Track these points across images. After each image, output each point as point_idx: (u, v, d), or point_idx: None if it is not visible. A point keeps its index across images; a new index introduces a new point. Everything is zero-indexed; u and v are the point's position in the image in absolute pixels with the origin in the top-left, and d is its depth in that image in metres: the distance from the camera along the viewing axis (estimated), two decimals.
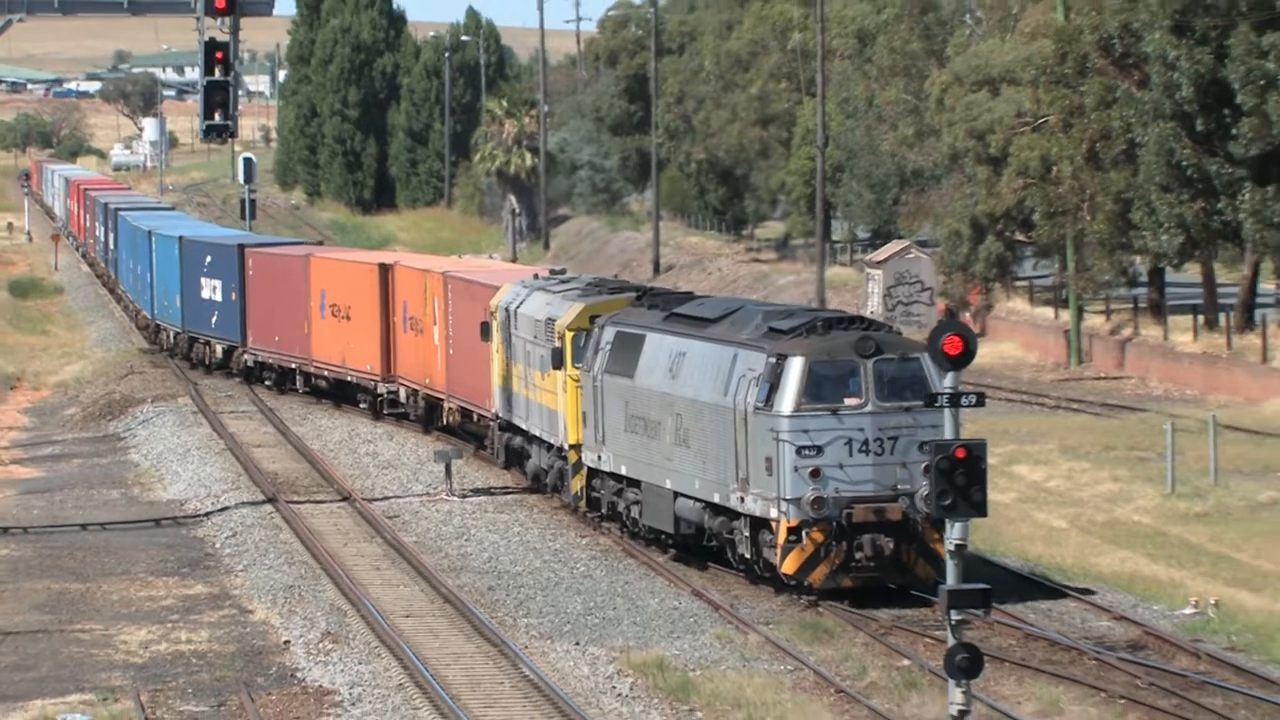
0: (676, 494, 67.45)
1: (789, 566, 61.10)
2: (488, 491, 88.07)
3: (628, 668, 61.18)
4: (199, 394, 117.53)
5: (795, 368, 61.04)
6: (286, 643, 65.70)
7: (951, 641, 44.87)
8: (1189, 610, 66.94)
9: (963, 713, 44.43)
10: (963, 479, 45.60)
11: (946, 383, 48.15)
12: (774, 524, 61.34)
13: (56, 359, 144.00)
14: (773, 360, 61.60)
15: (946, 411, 47.60)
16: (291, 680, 61.26)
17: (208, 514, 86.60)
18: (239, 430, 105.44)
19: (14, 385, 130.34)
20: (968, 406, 47.99)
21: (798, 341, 62.26)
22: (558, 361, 76.13)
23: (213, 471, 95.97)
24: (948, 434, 46.92)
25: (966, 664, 44.60)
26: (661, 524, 69.14)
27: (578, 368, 74.91)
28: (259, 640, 66.50)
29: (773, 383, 60.95)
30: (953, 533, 46.05)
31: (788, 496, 60.56)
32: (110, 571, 77.14)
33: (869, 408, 61.12)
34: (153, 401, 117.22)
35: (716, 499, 65.07)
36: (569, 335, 75.57)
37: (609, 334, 72.62)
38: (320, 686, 60.14)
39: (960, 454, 46.03)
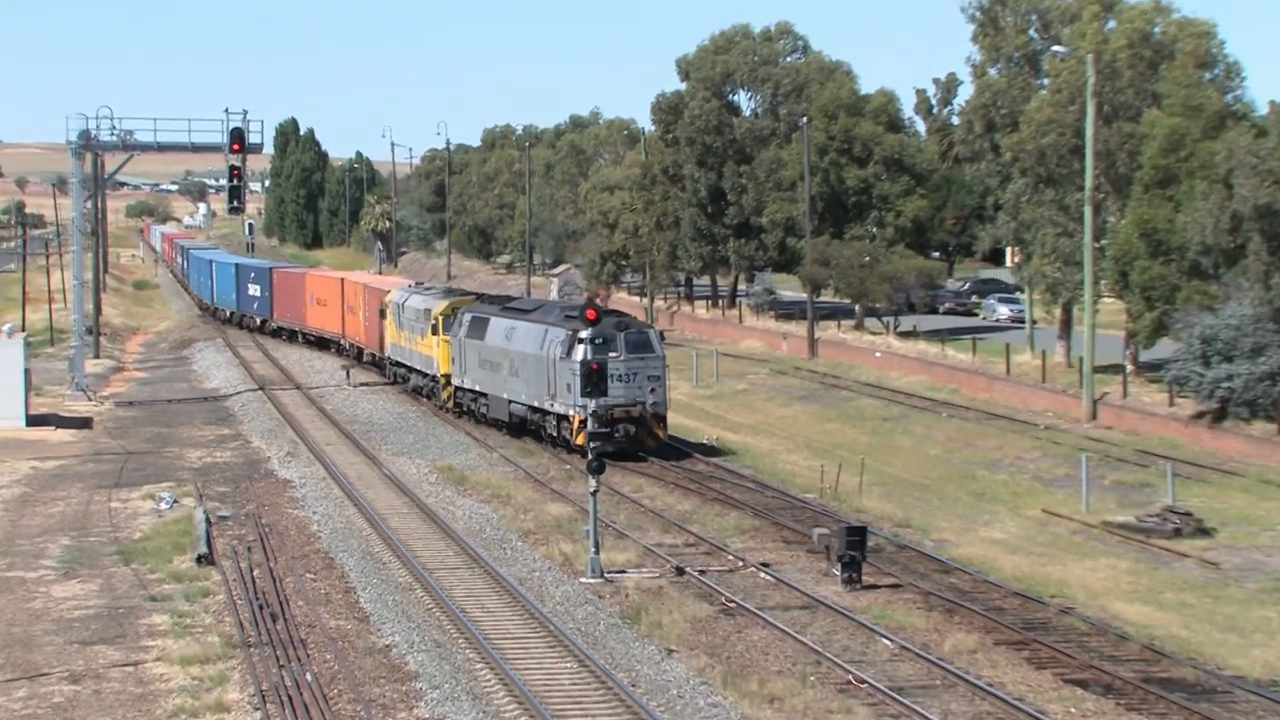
0: (510, 401, 66.91)
1: (579, 440, 59.35)
2: (367, 385, 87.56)
3: (434, 470, 61.27)
4: (226, 338, 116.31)
5: (584, 336, 60.06)
6: (269, 458, 65.27)
7: (591, 456, 44.83)
8: (705, 440, 67.26)
9: (595, 490, 44.37)
10: (596, 379, 45.83)
11: (583, 334, 48.28)
12: (572, 418, 60.61)
13: (156, 319, 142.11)
14: (571, 332, 61.10)
15: (581, 347, 47.63)
16: (272, 476, 60.89)
17: (230, 395, 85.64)
18: (246, 355, 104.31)
19: (135, 331, 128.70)
20: (594, 346, 48.14)
21: (583, 322, 60.65)
22: (435, 331, 75.13)
23: (232, 374, 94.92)
24: (584, 357, 46.98)
25: (597, 467, 44.58)
26: (500, 416, 68.43)
27: (446, 335, 73.76)
28: (255, 456, 66.01)
29: (571, 345, 60.32)
30: (590, 406, 46.01)
31: (579, 403, 58.57)
32: (183, 423, 76.21)
33: (622, 357, 60.58)
34: (203, 341, 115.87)
35: (535, 404, 64.43)
36: (441, 318, 74.73)
37: (467, 317, 71.93)
38: (286, 478, 59.82)
39: (594, 368, 46.23)
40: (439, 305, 76.13)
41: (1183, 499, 53.55)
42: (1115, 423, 70.92)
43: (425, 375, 78.56)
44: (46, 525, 52.12)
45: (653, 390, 61.69)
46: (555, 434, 64.23)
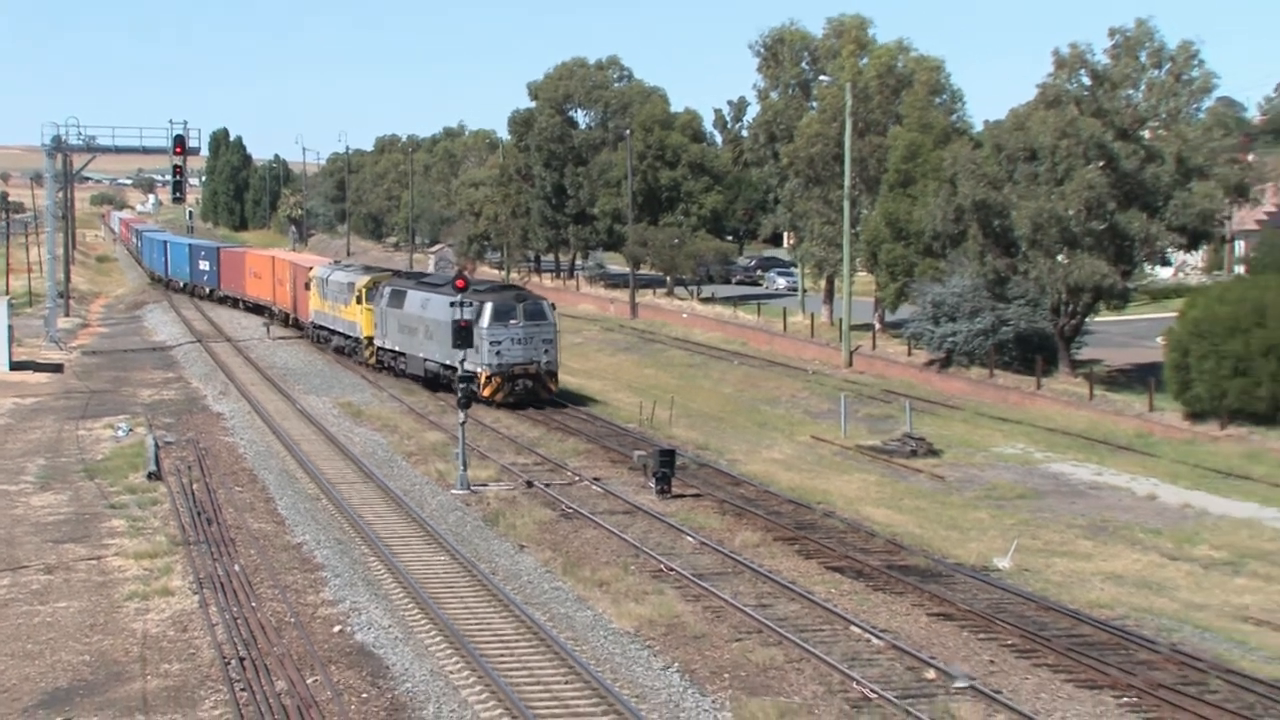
0: (425, 360, 63.88)
1: (485, 392, 57.98)
2: (283, 339, 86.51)
3: (337, 405, 60.52)
4: (171, 301, 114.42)
5: (489, 307, 58.18)
6: (205, 396, 64.27)
7: (460, 395, 44.65)
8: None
9: (463, 421, 44.19)
10: (465, 334, 45.55)
11: (459, 298, 47.72)
12: (479, 374, 57.98)
13: (114, 286, 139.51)
14: (477, 304, 57.71)
15: (460, 308, 47.12)
16: (207, 410, 59.92)
17: (174, 346, 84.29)
18: (186, 314, 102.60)
19: (97, 296, 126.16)
20: (465, 308, 47.62)
21: (488, 295, 59.37)
22: (359, 300, 72.06)
23: (175, 330, 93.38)
24: (459, 316, 46.52)
25: (465, 402, 44.40)
26: (417, 373, 65.28)
27: (369, 304, 70.80)
28: (194, 394, 64.91)
29: (477, 314, 57.15)
30: (464, 358, 45.72)
31: (486, 363, 57.82)
32: (136, 368, 74.90)
33: (521, 324, 58.32)
34: (152, 303, 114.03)
35: (447, 363, 60.88)
36: (364, 290, 71.71)
37: (387, 289, 68.69)
38: (219, 412, 58.92)
39: (464, 324, 45.93)
40: (362, 279, 73.40)
41: (918, 427, 54.26)
42: (867, 369, 71.67)
43: (348, 338, 75.44)
44: (26, 448, 51.21)
45: (546, 352, 59.36)
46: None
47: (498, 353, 58.54)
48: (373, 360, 71.38)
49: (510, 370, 58.89)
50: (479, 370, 58.62)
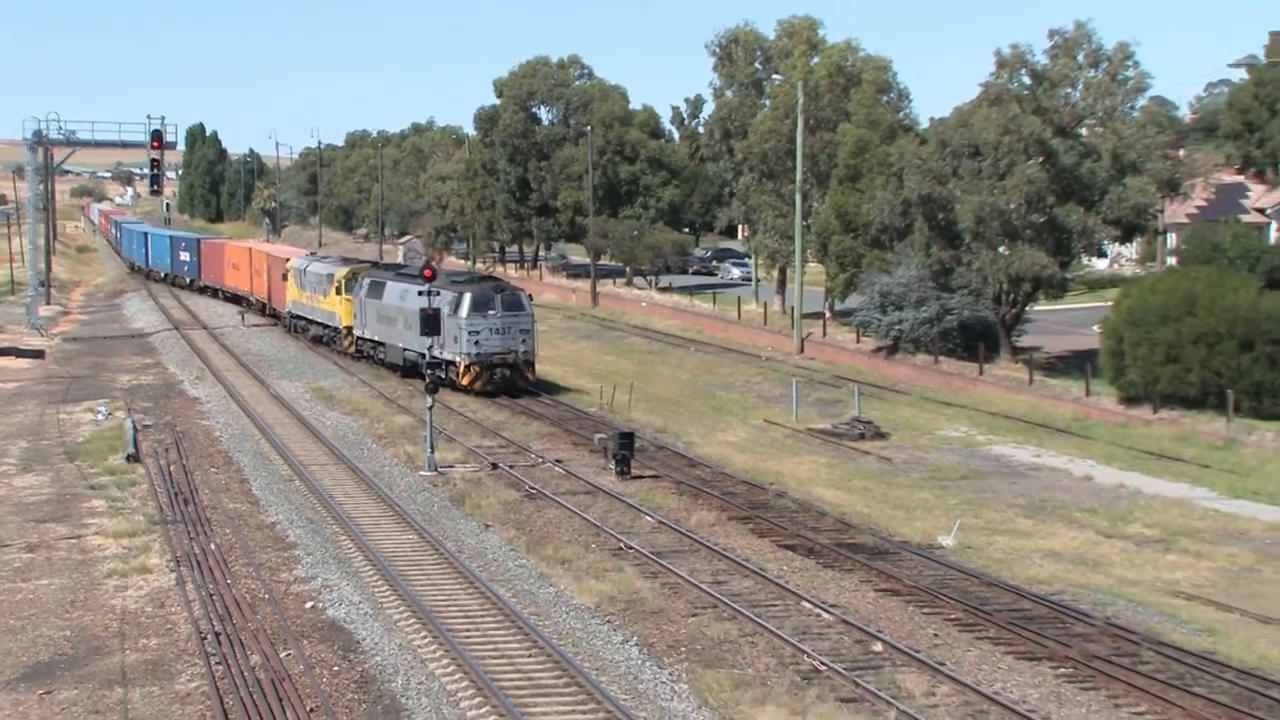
0: (405, 349, 62.95)
1: (464, 380, 57.59)
2: (258, 327, 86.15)
3: (309, 390, 60.28)
4: (149, 290, 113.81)
5: (468, 297, 57.58)
6: (182, 381, 63.93)
7: (428, 381, 44.56)
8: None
9: (431, 405, 44.13)
10: (433, 322, 45.40)
11: (427, 287, 47.54)
12: (458, 363, 57.83)
13: (94, 275, 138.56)
14: (457, 294, 57.83)
15: (428, 297, 47.01)
16: (184, 394, 59.62)
17: (152, 333, 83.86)
18: (164, 303, 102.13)
19: (77, 285, 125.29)
20: (434, 297, 47.48)
21: (467, 286, 58.76)
22: (338, 291, 70.79)
23: (154, 318, 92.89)
24: (428, 305, 46.37)
25: (433, 388, 44.30)
26: (396, 361, 64.37)
27: (348, 294, 69.62)
28: (171, 380, 64.53)
29: (456, 304, 57.23)
30: (432, 345, 45.64)
31: (465, 352, 57.29)
32: (116, 354, 74.46)
33: (499, 315, 57.64)
34: (131, 292, 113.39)
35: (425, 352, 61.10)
36: (343, 280, 70.53)
37: (366, 280, 67.61)
38: (196, 397, 58.65)
39: (431, 313, 45.79)
40: (341, 270, 72.07)
41: (866, 411, 54.41)
42: (817, 355, 71.86)
43: (326, 327, 73.98)
44: (8, 431, 50.92)
45: (524, 341, 58.61)
46: (443, 376, 61.86)
47: (476, 342, 58.00)
48: (352, 350, 70.29)
49: (489, 359, 58.29)
50: (458, 359, 58.29)
